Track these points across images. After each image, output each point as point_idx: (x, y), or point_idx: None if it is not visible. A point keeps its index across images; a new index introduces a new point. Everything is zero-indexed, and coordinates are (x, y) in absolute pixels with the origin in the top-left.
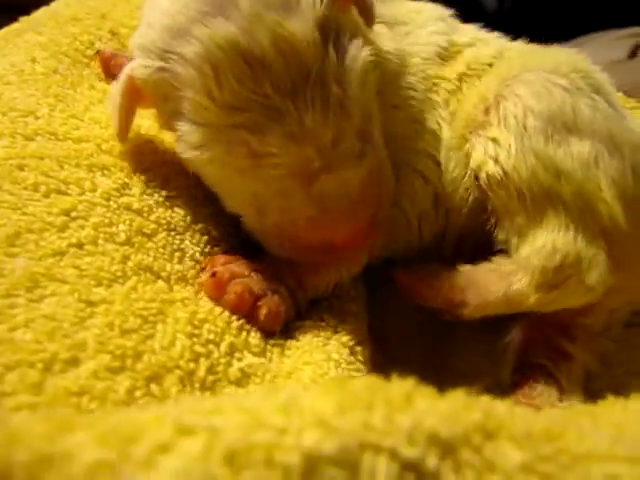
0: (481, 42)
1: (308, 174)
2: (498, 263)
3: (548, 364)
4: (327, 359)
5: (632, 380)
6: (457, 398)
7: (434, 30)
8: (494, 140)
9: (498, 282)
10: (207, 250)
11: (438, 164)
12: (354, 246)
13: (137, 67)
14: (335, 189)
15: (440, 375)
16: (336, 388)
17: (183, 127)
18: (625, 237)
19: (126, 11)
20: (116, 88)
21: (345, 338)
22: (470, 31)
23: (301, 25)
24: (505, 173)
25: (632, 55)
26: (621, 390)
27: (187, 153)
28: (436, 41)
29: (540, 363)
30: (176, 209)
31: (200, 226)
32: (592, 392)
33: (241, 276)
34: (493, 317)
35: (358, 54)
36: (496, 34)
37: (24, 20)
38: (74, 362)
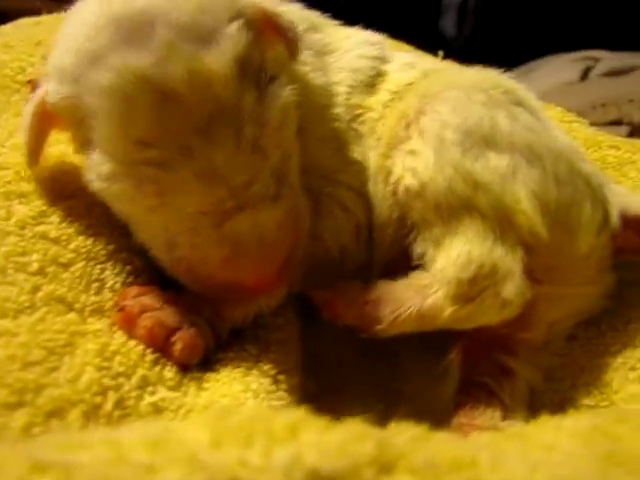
0: (408, 66)
1: (220, 213)
2: (415, 277)
3: (490, 382)
4: (245, 390)
5: (577, 394)
6: (349, 429)
7: (361, 54)
8: (412, 153)
9: (413, 296)
10: (129, 281)
11: (361, 195)
12: (265, 289)
13: (50, 91)
14: (248, 231)
15: (383, 399)
16: (216, 420)
17: (93, 157)
18: (552, 247)
19: None
20: (27, 110)
21: (267, 367)
22: (399, 56)
23: (219, 59)
24: (422, 184)
25: (583, 77)
26: (566, 405)
27: (96, 184)
28: (362, 67)
29: (482, 381)
30: (98, 238)
31: (123, 255)
32: (537, 408)
33: (152, 309)
34: (435, 335)
35: (279, 92)
36: (427, 57)
37: None
38: None
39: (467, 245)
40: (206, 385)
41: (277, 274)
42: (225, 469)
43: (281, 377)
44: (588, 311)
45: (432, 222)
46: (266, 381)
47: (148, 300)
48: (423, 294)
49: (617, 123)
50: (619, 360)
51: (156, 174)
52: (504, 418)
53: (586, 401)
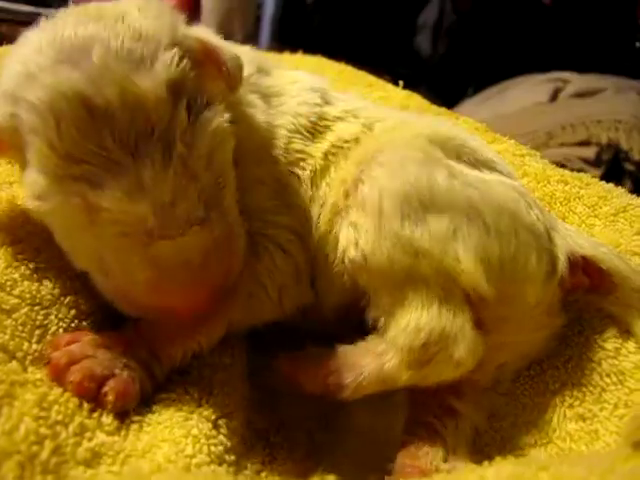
0: (351, 115)
1: (144, 235)
2: (372, 343)
3: (434, 422)
4: (186, 435)
5: (518, 433)
6: None
7: (304, 100)
8: (353, 225)
9: (372, 363)
10: (74, 325)
11: (300, 238)
12: (195, 312)
13: None
14: (173, 255)
15: (331, 433)
16: None
17: (28, 175)
18: (499, 300)
19: None
20: None
21: (208, 412)
22: (344, 102)
23: (151, 81)
24: (365, 257)
25: (553, 98)
26: (507, 444)
27: (30, 203)
28: (305, 113)
29: (427, 421)
30: (45, 282)
31: (69, 299)
32: (479, 447)
33: (82, 358)
34: None
35: (212, 118)
36: (372, 105)
37: None
38: None
39: (415, 314)
40: (147, 429)
41: (206, 298)
42: None
43: (221, 422)
44: (538, 353)
45: (379, 292)
46: (206, 426)
47: (78, 349)
48: (380, 361)
49: (586, 143)
50: (558, 399)
51: (83, 190)
52: (446, 459)
53: (526, 439)
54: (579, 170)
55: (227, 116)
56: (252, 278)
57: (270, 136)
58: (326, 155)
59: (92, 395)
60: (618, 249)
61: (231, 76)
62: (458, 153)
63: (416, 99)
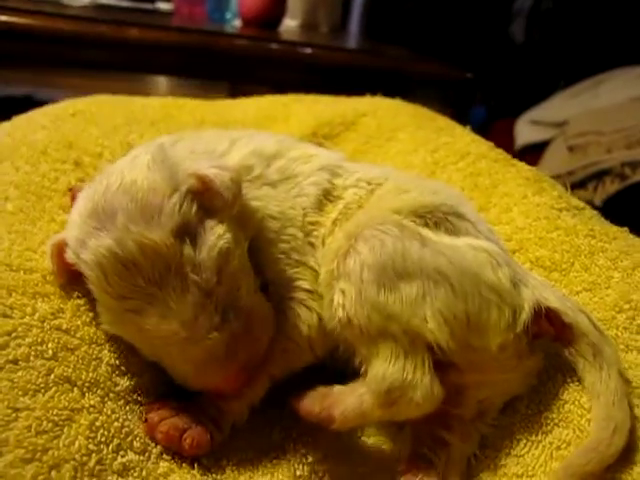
0: (365, 182)
1: (179, 342)
2: (357, 384)
3: (428, 453)
4: (188, 472)
5: (509, 463)
6: None
7: (314, 181)
8: (342, 291)
9: (355, 401)
10: (123, 354)
11: (318, 294)
12: (230, 390)
13: (67, 249)
14: (202, 354)
15: (349, 453)
16: None
17: (97, 308)
18: (464, 349)
19: (92, 137)
20: (48, 247)
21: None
22: (360, 172)
23: (159, 234)
24: (349, 318)
25: None
26: (498, 471)
27: (103, 326)
28: (314, 192)
29: (422, 452)
30: (99, 327)
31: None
32: (474, 473)
33: (168, 417)
34: None
35: (215, 243)
36: (382, 168)
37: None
38: None
39: (383, 365)
40: (165, 457)
41: (237, 378)
42: None
43: (211, 464)
44: (515, 391)
45: (359, 345)
46: (198, 472)
47: (165, 412)
48: (361, 400)
49: None
50: (548, 440)
51: (134, 318)
52: None
53: (515, 469)
54: None
55: (228, 235)
56: (283, 336)
57: (285, 219)
58: (334, 222)
59: (175, 442)
60: (629, 304)
61: (226, 201)
62: (437, 222)
63: (478, 145)
